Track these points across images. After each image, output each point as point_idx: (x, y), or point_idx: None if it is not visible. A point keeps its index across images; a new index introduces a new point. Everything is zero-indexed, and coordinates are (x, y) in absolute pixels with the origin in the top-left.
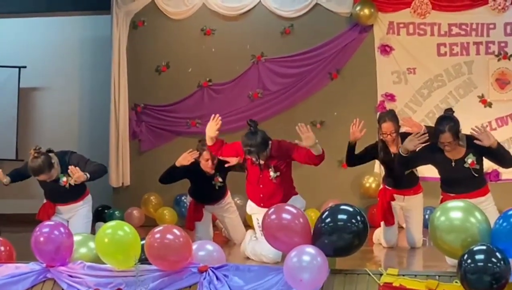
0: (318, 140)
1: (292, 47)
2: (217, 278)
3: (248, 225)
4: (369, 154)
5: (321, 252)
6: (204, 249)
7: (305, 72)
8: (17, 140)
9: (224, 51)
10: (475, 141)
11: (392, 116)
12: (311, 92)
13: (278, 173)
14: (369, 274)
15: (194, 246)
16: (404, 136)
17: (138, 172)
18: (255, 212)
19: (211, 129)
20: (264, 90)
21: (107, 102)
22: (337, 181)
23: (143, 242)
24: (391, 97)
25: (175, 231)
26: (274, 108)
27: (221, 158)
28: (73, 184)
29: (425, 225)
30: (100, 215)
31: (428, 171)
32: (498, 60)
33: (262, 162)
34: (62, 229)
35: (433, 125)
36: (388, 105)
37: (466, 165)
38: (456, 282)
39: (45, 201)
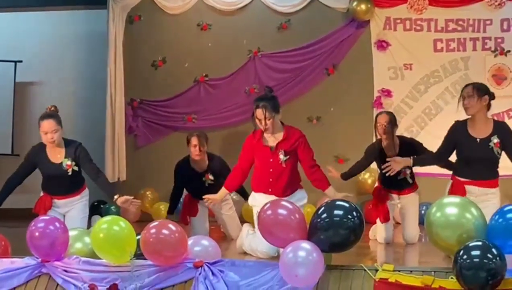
0: (314, 135)
1: (289, 43)
2: (213, 274)
3: (244, 220)
4: (370, 156)
5: (316, 247)
6: (200, 244)
7: (301, 68)
8: (13, 135)
9: (220, 46)
10: None
11: (390, 113)
12: (308, 87)
13: (288, 157)
14: (364, 270)
15: (190, 242)
16: (404, 141)
17: (134, 167)
18: (258, 204)
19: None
20: (260, 85)
21: (103, 97)
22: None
23: (138, 237)
24: (387, 93)
25: (171, 226)
26: None
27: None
28: (76, 169)
29: (421, 221)
30: (96, 210)
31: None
32: (495, 56)
33: (269, 126)
34: (57, 224)
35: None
36: (385, 101)
37: (491, 145)
38: (452, 278)
39: (42, 194)
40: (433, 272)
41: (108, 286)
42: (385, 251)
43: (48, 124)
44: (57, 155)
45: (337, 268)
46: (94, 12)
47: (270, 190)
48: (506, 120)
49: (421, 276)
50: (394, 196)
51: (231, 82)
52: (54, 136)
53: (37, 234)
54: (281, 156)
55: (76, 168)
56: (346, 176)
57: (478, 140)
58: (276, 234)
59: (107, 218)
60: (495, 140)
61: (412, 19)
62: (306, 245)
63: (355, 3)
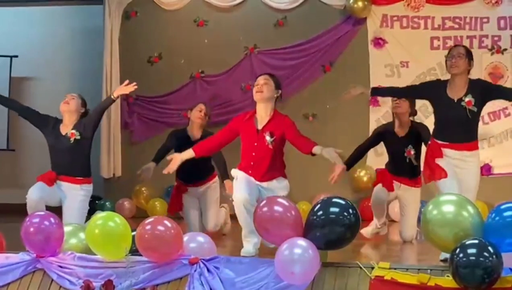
0: (310, 132)
1: (285, 39)
2: (208, 270)
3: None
4: (377, 137)
5: (312, 245)
6: (195, 241)
7: (298, 65)
8: (8, 129)
9: (217, 42)
10: None
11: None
12: (304, 84)
13: (274, 138)
14: (360, 267)
15: (185, 238)
16: (415, 126)
17: (130, 163)
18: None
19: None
20: None
21: (98, 92)
22: (328, 174)
23: (134, 233)
24: None
25: (166, 222)
26: None
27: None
28: (79, 138)
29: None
30: (91, 206)
31: None
32: (492, 54)
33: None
34: (52, 220)
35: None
36: (381, 98)
37: (463, 104)
38: (448, 276)
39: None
40: (429, 270)
41: (103, 282)
42: (381, 248)
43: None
44: (65, 128)
45: (333, 266)
46: (91, 7)
47: (250, 172)
48: (502, 118)
49: (417, 274)
50: (396, 184)
51: (228, 78)
52: (70, 101)
53: (32, 229)
54: (267, 138)
55: (78, 137)
56: (349, 163)
57: (455, 100)
58: (272, 231)
59: (103, 214)
60: (467, 99)
61: (409, 17)
62: (302, 242)
63: (352, 0)
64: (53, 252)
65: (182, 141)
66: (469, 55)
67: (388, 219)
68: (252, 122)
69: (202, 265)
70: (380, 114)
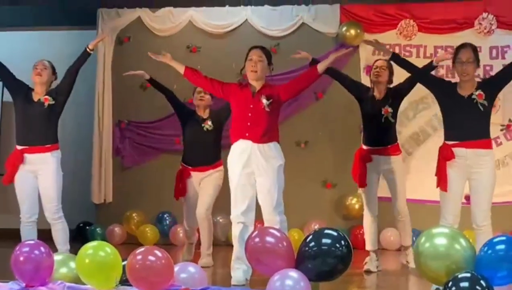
0: (302, 159)
1: (278, 66)
2: None
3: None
4: (356, 85)
5: (304, 276)
6: (186, 271)
7: None
8: None
9: (210, 68)
10: None
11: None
12: (296, 111)
13: (271, 101)
14: None
15: (176, 268)
16: (392, 89)
17: (121, 188)
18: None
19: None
20: None
21: (90, 117)
22: (320, 202)
23: (124, 263)
24: None
25: (157, 252)
26: None
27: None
28: (53, 103)
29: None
30: (81, 232)
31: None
32: None
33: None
34: (42, 249)
35: None
36: None
37: (474, 98)
38: None
39: (15, 148)
40: None
41: None
42: (372, 279)
43: (40, 65)
44: (37, 96)
45: None
46: (84, 32)
47: (247, 134)
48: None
49: None
50: (377, 157)
51: (220, 104)
52: (43, 72)
53: (21, 258)
54: (264, 101)
55: (52, 102)
56: (322, 66)
57: (465, 96)
58: (264, 262)
59: (93, 243)
60: (477, 92)
61: (401, 45)
62: (293, 273)
63: (344, 28)
64: (43, 282)
65: (190, 117)
66: (477, 58)
67: (380, 247)
68: (247, 88)
69: None
70: None
